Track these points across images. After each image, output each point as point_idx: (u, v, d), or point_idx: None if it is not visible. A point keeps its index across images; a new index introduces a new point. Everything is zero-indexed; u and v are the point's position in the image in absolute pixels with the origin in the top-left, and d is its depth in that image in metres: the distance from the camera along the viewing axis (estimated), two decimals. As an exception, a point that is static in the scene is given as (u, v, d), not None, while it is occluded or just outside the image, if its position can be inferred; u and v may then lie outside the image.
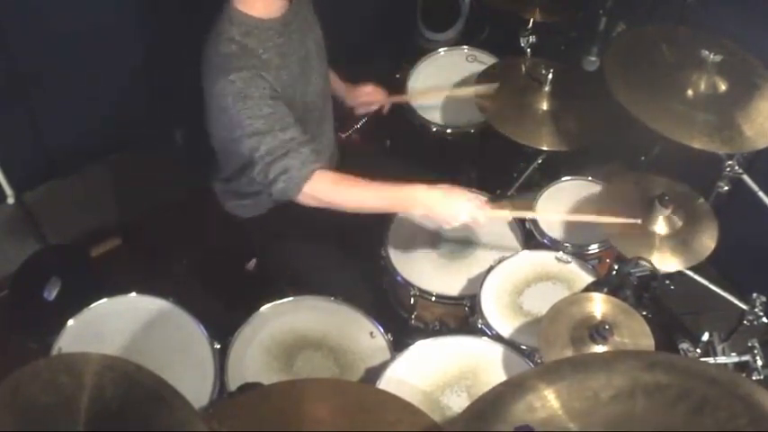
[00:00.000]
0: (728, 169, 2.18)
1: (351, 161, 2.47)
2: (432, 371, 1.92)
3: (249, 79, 1.87)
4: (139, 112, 2.80)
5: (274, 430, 1.54)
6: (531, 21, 2.68)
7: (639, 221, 2.06)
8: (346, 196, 1.96)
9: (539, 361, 1.90)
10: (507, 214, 2.14)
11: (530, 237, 2.30)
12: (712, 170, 2.22)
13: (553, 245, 2.24)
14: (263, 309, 2.07)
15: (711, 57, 2.05)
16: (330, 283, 2.18)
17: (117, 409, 1.29)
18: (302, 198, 1.94)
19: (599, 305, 1.83)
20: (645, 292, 2.10)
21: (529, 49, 2.57)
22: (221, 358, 1.96)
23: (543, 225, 2.28)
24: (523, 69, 2.51)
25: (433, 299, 2.16)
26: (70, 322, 2.01)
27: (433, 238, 2.30)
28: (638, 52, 2.20)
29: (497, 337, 2.00)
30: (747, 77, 2.12)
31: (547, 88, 2.38)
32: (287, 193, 1.93)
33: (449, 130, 2.63)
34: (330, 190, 1.94)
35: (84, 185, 2.92)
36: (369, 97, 2.49)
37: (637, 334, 1.77)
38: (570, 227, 2.28)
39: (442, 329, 2.21)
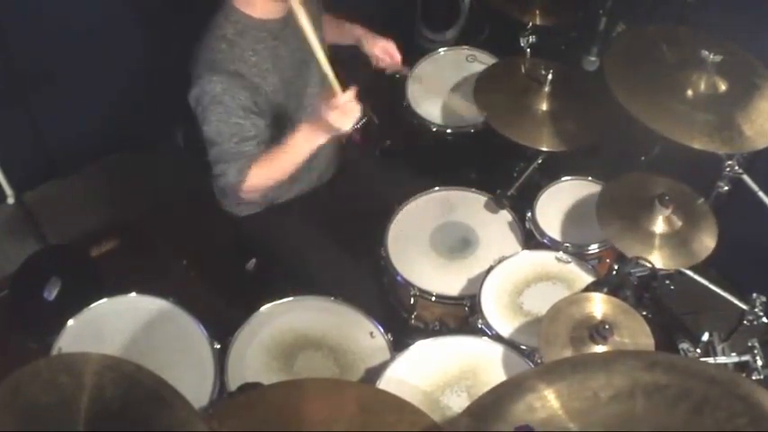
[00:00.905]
0: (728, 169, 2.18)
1: (351, 161, 2.47)
2: (432, 371, 1.92)
3: (228, 87, 1.92)
4: (139, 112, 2.81)
5: (274, 430, 1.54)
6: (531, 23, 2.69)
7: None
8: (274, 175, 2.07)
9: (539, 361, 1.90)
10: None
11: (530, 237, 2.30)
12: (712, 170, 2.22)
13: (553, 245, 2.24)
14: (263, 309, 2.07)
15: (711, 57, 2.04)
16: (330, 283, 2.18)
17: (117, 409, 1.29)
18: (243, 195, 2.07)
19: (599, 305, 1.83)
20: (645, 292, 2.11)
21: (528, 50, 2.57)
22: (221, 358, 1.96)
23: (543, 225, 2.28)
24: (523, 70, 2.51)
25: (433, 299, 2.16)
26: (70, 322, 2.01)
27: (433, 238, 2.30)
28: (638, 52, 2.20)
29: (497, 337, 2.00)
30: (747, 77, 2.12)
31: (546, 89, 2.38)
32: (225, 192, 2.09)
33: (449, 130, 2.63)
34: (260, 181, 2.05)
35: (84, 185, 2.93)
36: (386, 53, 2.34)
37: (637, 334, 1.77)
38: (570, 226, 2.29)
39: (442, 329, 2.21)
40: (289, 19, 2.03)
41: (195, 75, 1.94)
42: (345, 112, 1.94)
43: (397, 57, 2.30)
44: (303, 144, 2.01)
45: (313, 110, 2.05)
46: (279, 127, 2.11)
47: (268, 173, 2.05)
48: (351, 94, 1.94)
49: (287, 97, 2.07)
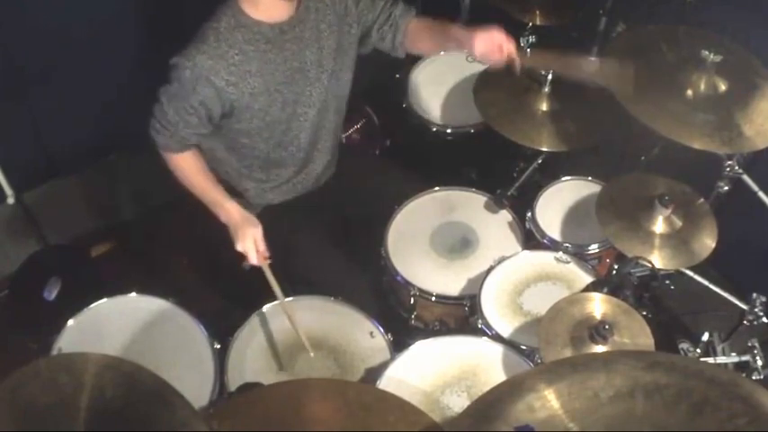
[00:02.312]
0: (728, 169, 2.18)
1: (351, 161, 2.47)
2: (432, 371, 1.92)
3: (196, 78, 1.94)
4: (139, 111, 2.80)
5: (274, 430, 1.54)
6: (531, 24, 2.69)
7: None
8: (183, 181, 2.19)
9: (539, 361, 1.90)
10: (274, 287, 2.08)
11: (530, 237, 2.30)
12: (712, 170, 2.22)
13: (553, 245, 2.24)
14: (263, 309, 2.07)
15: (711, 57, 2.04)
16: (330, 283, 2.18)
17: (117, 409, 1.29)
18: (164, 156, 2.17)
19: (599, 305, 1.83)
20: (645, 292, 2.11)
21: (528, 50, 2.57)
22: (221, 358, 1.96)
23: (543, 225, 2.28)
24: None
25: (433, 299, 2.16)
26: (70, 322, 2.01)
27: (433, 238, 2.30)
28: (638, 52, 2.20)
29: (497, 337, 2.01)
30: (747, 77, 2.12)
31: (546, 89, 2.38)
32: (153, 140, 2.14)
33: (449, 130, 2.63)
34: (174, 169, 2.18)
35: (83, 185, 2.92)
36: (491, 48, 2.08)
37: (637, 334, 1.77)
38: (570, 226, 2.29)
39: (442, 329, 2.21)
40: (287, 27, 2.02)
41: (185, 48, 1.96)
42: (247, 248, 2.07)
43: (506, 48, 2.02)
44: (215, 207, 2.15)
45: (245, 216, 2.14)
46: (270, 131, 2.11)
47: (184, 175, 2.17)
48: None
49: (272, 103, 2.05)
